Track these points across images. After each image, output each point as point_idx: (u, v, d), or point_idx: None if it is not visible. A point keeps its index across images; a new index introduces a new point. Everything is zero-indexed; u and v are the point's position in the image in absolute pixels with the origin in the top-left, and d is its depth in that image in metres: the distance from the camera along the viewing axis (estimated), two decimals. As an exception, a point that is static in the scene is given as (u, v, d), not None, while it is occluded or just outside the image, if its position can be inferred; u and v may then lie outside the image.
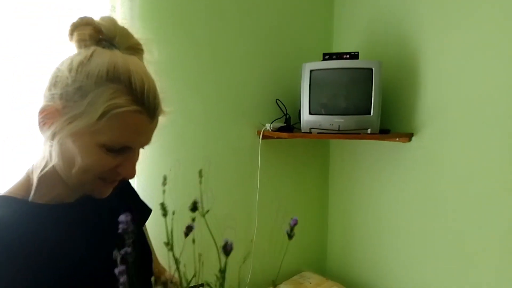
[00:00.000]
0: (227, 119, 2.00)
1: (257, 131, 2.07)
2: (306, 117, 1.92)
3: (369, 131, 1.84)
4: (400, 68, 1.96)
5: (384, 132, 1.87)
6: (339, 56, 1.84)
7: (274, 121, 2.06)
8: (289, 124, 2.04)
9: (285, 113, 2.10)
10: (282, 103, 2.11)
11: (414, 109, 1.90)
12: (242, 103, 2.04)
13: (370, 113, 1.82)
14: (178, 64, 1.85)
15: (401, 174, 1.97)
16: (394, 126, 2.00)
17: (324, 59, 1.87)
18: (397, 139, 1.94)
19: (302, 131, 1.94)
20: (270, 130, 2.01)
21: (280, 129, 2.01)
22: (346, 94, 1.88)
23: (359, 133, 1.85)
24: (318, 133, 1.91)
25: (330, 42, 2.33)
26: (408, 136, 1.91)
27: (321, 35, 2.30)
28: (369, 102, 1.81)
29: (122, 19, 1.47)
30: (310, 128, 1.92)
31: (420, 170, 1.88)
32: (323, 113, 1.89)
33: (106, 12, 1.45)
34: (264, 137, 2.06)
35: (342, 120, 1.85)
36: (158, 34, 1.76)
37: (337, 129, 1.86)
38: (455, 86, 1.71)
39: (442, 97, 1.77)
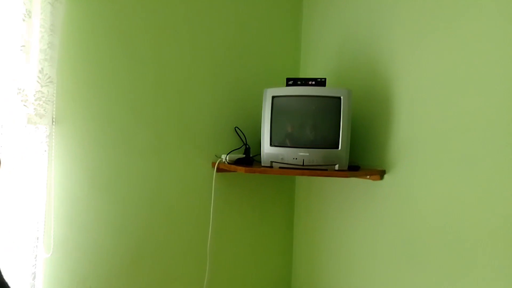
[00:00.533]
0: (177, 150, 1.74)
1: (212, 163, 1.82)
2: (267, 148, 1.69)
3: (336, 167, 1.62)
4: (370, 98, 1.79)
5: (354, 168, 1.66)
6: (304, 82, 1.64)
7: (231, 151, 1.82)
8: (248, 156, 1.80)
9: (244, 142, 1.87)
10: (242, 132, 1.88)
11: (387, 143, 1.71)
12: (195, 131, 1.79)
13: (338, 147, 1.61)
14: (116, 85, 1.59)
15: (372, 213, 1.76)
16: (364, 161, 1.81)
17: (288, 85, 1.67)
18: (368, 176, 1.74)
19: (262, 164, 1.71)
20: (225, 162, 1.77)
21: (237, 162, 1.76)
22: (312, 125, 1.67)
23: (325, 169, 1.63)
24: (280, 167, 1.68)
25: (297, 66, 2.15)
26: (380, 174, 1.71)
27: (288, 58, 2.11)
28: (337, 135, 1.61)
29: (39, 26, 1.20)
30: (271, 162, 1.69)
31: (392, 210, 1.67)
32: (286, 145, 1.66)
33: (18, 18, 1.17)
34: (219, 170, 1.81)
35: (307, 154, 1.63)
36: (89, 49, 1.50)
37: (301, 164, 1.64)
38: (430, 118, 1.54)
39: (416, 130, 1.59)
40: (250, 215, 1.99)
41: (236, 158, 1.78)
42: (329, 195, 1.98)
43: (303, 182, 2.12)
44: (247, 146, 1.83)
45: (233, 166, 1.69)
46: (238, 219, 1.94)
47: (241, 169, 1.63)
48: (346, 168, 1.63)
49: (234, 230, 1.92)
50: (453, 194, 1.47)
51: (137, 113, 1.64)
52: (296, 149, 1.64)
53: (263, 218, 2.04)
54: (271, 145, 1.68)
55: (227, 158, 1.77)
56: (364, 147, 1.81)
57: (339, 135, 1.60)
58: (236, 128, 1.87)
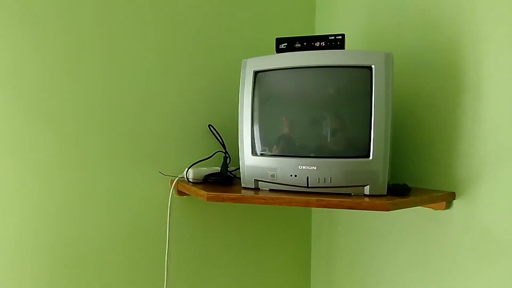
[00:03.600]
0: (110, 163, 1.11)
1: (171, 182, 1.19)
2: (248, 159, 1.02)
3: (367, 189, 0.93)
4: (428, 76, 1.06)
5: (399, 191, 0.95)
6: (308, 43, 0.95)
7: (196, 163, 1.16)
8: (226, 169, 1.14)
9: (223, 148, 1.21)
10: (217, 132, 1.22)
11: (455, 150, 0.99)
12: (145, 132, 1.15)
13: (369, 155, 0.91)
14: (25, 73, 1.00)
15: (434, 262, 1.05)
16: (414, 179, 1.09)
17: (279, 50, 0.99)
18: (432, 204, 1.02)
19: (243, 185, 1.04)
20: (187, 181, 1.12)
21: (207, 180, 1.11)
22: (321, 118, 0.98)
23: (349, 194, 0.94)
24: (270, 189, 1.01)
25: (311, 22, 1.44)
26: (446, 199, 0.99)
27: (297, 10, 1.40)
28: (366, 134, 0.91)
29: None
30: (256, 180, 1.02)
31: (468, 255, 0.95)
32: (279, 153, 0.99)
33: None
34: (180, 193, 1.17)
35: (314, 168, 0.94)
36: None
37: (305, 184, 0.96)
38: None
39: (506, 132, 0.86)
40: (242, 261, 1.33)
41: (207, 173, 1.13)
42: (363, 229, 1.27)
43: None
44: (226, 154, 1.17)
45: (192, 188, 1.04)
46: (210, 267, 1.28)
47: (202, 194, 0.98)
48: (384, 192, 0.92)
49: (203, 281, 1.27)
50: None
51: (50, 114, 1.03)
52: (295, 160, 0.95)
53: (263, 266, 1.38)
54: (253, 153, 1.01)
55: (189, 174, 1.13)
56: (414, 157, 1.09)
57: (370, 135, 0.90)
58: (210, 126, 1.22)
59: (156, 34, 1.17)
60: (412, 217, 1.11)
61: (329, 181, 0.93)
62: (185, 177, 1.11)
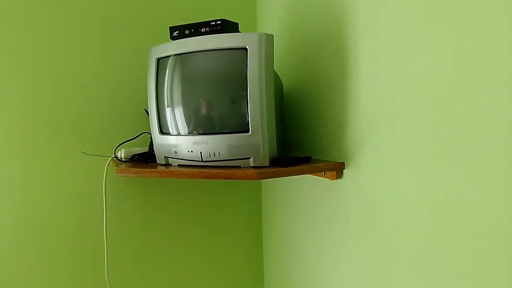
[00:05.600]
0: (63, 146, 1.27)
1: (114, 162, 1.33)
2: (157, 138, 1.14)
3: (251, 161, 1.01)
4: (322, 61, 1.10)
5: (280, 162, 1.02)
6: (195, 29, 1.03)
7: (124, 142, 1.27)
8: (152, 149, 1.26)
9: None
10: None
11: (344, 124, 1.03)
12: (86, 119, 1.29)
13: (248, 130, 0.99)
14: None
15: (334, 222, 1.11)
16: (322, 153, 1.15)
17: (173, 37, 1.08)
18: (323, 173, 1.08)
19: (158, 161, 1.17)
20: (121, 160, 1.27)
21: (134, 159, 1.25)
22: (207, 97, 1.07)
23: (239, 166, 1.03)
24: (179, 165, 1.12)
25: (252, 13, 1.52)
26: (336, 168, 1.04)
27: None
28: (244, 110, 0.99)
29: None
30: (166, 157, 1.14)
31: (357, 216, 1.00)
32: (179, 131, 1.09)
33: None
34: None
35: (206, 145, 1.04)
36: None
37: (200, 159, 1.06)
38: (404, 86, 0.83)
39: (384, 104, 0.89)
40: (188, 234, 1.46)
41: (134, 153, 1.27)
42: (291, 195, 1.35)
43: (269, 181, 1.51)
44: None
45: (118, 166, 1.17)
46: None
47: (115, 170, 1.11)
48: (267, 163, 1.00)
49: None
50: (438, 190, 0.76)
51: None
52: (190, 138, 1.06)
53: (213, 238, 1.51)
54: (160, 132, 1.13)
55: (121, 154, 1.27)
56: (320, 132, 1.14)
57: (247, 112, 0.98)
58: (145, 110, 1.35)
59: (94, 27, 1.30)
60: (317, 187, 1.17)
61: (218, 155, 1.02)
62: (115, 156, 1.26)
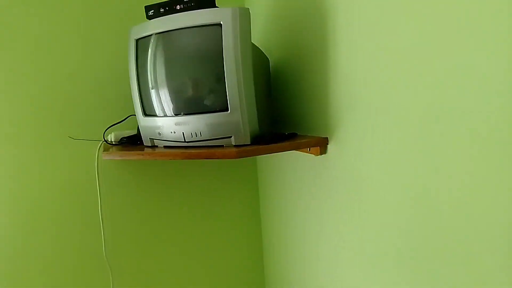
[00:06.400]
0: (52, 132, 1.28)
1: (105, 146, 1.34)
2: (142, 120, 1.14)
3: (232, 140, 1.00)
4: (303, 36, 1.06)
5: (262, 140, 1.00)
6: (169, 7, 1.01)
7: (113, 125, 1.28)
8: (139, 132, 1.27)
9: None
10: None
11: (326, 97, 1.00)
12: (76, 105, 1.29)
13: (227, 109, 0.98)
14: None
15: (318, 196, 1.10)
16: (302, 126, 1.12)
17: (149, 17, 1.06)
18: (309, 149, 1.06)
19: (144, 143, 1.17)
20: (111, 143, 1.28)
21: (123, 142, 1.26)
22: (185, 79, 1.05)
23: (221, 145, 1.02)
24: (164, 146, 1.12)
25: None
26: (321, 144, 1.02)
27: None
28: (222, 89, 0.97)
29: None
30: (151, 139, 1.14)
31: (343, 192, 0.99)
32: (161, 113, 1.09)
33: None
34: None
35: (188, 125, 1.03)
36: None
37: (182, 139, 1.05)
38: (385, 52, 0.80)
39: (365, 74, 0.86)
40: (186, 214, 1.48)
41: (123, 136, 1.27)
42: (282, 172, 1.34)
43: (264, 158, 1.51)
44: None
45: (109, 150, 1.18)
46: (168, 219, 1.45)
47: (103, 154, 1.12)
48: (248, 141, 0.99)
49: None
50: (423, 163, 0.74)
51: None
52: (172, 119, 1.05)
53: (211, 219, 1.52)
54: (144, 115, 1.12)
55: (111, 137, 1.28)
56: (305, 110, 1.11)
57: (225, 89, 0.96)
58: (133, 92, 1.35)
59: (76, 11, 1.29)
60: (303, 163, 1.16)
61: (200, 135, 1.02)
62: (105, 140, 1.27)
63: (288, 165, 1.25)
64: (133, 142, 1.25)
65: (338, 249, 1.04)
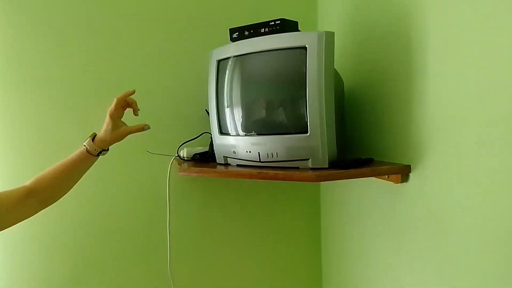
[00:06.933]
0: (130, 148, 1.28)
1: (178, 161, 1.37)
2: (217, 138, 1.16)
3: (309, 163, 0.98)
4: (386, 58, 1.04)
5: (340, 164, 0.97)
6: (254, 30, 1.03)
7: (186, 142, 1.30)
8: (212, 149, 1.27)
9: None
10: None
11: (411, 125, 0.96)
12: (147, 117, 1.29)
13: (306, 131, 0.97)
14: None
15: (396, 230, 1.04)
16: (386, 154, 1.08)
17: (232, 39, 1.09)
18: (387, 177, 1.02)
19: (217, 161, 1.19)
20: (183, 159, 1.31)
21: (194, 158, 1.28)
22: (267, 98, 1.05)
23: (297, 167, 1.01)
24: (237, 165, 1.13)
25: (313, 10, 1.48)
26: (401, 171, 0.97)
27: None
28: (302, 111, 0.96)
29: None
30: (225, 157, 1.16)
31: (423, 227, 0.93)
32: (238, 132, 1.10)
33: None
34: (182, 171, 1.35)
35: (264, 145, 1.03)
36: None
37: (258, 159, 1.05)
38: (477, 86, 0.76)
39: (456, 105, 0.82)
40: (247, 234, 1.48)
41: (195, 152, 1.30)
42: (352, 198, 1.30)
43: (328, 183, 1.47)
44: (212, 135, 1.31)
45: (182, 165, 1.21)
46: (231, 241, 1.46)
47: (178, 168, 1.15)
48: (326, 165, 0.97)
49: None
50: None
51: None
52: (248, 138, 1.06)
53: (271, 239, 1.50)
54: (220, 133, 1.14)
55: (184, 153, 1.32)
56: (383, 133, 1.08)
57: (306, 111, 0.95)
58: (206, 110, 1.37)
59: (157, 32, 1.36)
60: (380, 190, 1.11)
61: (276, 156, 1.02)
62: (178, 155, 1.31)
63: (361, 191, 1.21)
64: (205, 158, 1.27)
65: (418, 285, 0.97)
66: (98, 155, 0.97)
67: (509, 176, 0.70)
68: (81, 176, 0.98)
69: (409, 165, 0.97)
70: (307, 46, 0.94)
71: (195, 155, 1.29)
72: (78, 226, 1.33)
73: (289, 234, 1.52)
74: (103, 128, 0.97)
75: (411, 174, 0.98)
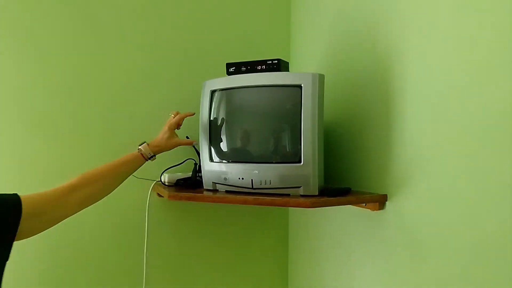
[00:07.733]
0: None
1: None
2: (206, 165, 1.20)
3: (301, 190, 1.07)
4: (367, 93, 1.20)
5: (335, 193, 1.08)
6: (251, 67, 1.13)
7: (169, 168, 1.33)
8: (195, 174, 1.31)
9: (197, 151, 1.38)
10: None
11: (389, 157, 1.10)
12: (131, 145, 1.33)
13: (300, 161, 1.06)
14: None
15: (374, 257, 1.16)
16: (363, 184, 1.21)
17: (229, 73, 1.17)
18: (364, 204, 1.14)
19: (205, 187, 1.22)
20: (165, 184, 1.32)
21: (178, 184, 1.30)
22: (261, 128, 1.14)
23: (288, 194, 1.09)
24: (226, 191, 1.18)
25: (286, 48, 1.61)
26: (379, 200, 1.11)
27: (275, 37, 1.59)
28: (297, 142, 1.06)
29: None
30: (214, 183, 1.20)
31: (400, 255, 1.05)
32: (230, 159, 1.16)
33: None
34: (159, 195, 1.36)
35: (257, 172, 1.10)
36: None
37: (251, 186, 1.12)
38: (454, 119, 0.92)
39: (432, 138, 0.97)
40: (221, 257, 1.51)
41: (179, 178, 1.32)
42: (325, 227, 1.40)
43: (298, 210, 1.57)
44: (195, 162, 1.35)
45: (163, 190, 1.22)
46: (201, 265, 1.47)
47: (165, 193, 1.17)
48: (316, 192, 1.06)
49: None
50: (488, 224, 0.82)
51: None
52: (241, 165, 1.12)
53: (242, 262, 1.54)
54: (211, 159, 1.19)
55: (165, 178, 1.33)
56: (360, 165, 1.21)
57: (300, 144, 1.05)
58: (187, 137, 1.41)
59: (141, 62, 1.40)
60: (357, 215, 1.22)
61: (269, 183, 1.09)
62: (160, 180, 1.31)
63: (335, 218, 1.32)
64: (188, 184, 1.29)
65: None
66: (148, 159, 1.10)
67: (479, 205, 0.85)
68: (125, 179, 1.07)
69: (386, 194, 1.11)
70: (302, 85, 1.05)
71: (178, 180, 1.30)
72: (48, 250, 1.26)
73: (259, 259, 1.57)
74: (159, 136, 1.15)
75: (387, 203, 1.11)
